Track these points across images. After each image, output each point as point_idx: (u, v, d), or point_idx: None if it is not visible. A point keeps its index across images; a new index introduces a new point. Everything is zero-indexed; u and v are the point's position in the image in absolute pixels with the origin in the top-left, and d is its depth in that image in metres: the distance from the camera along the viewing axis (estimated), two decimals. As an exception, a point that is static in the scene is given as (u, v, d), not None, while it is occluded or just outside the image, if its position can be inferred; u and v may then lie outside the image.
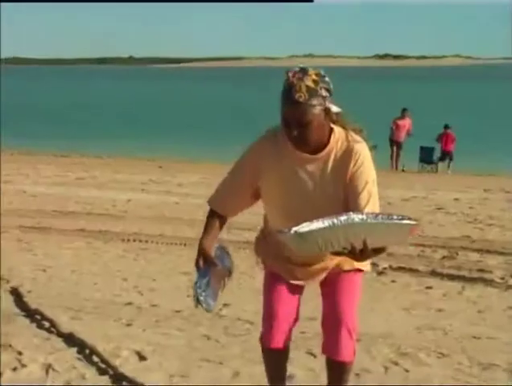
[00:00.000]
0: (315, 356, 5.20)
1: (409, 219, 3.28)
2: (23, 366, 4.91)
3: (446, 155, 22.44)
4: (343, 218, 3.23)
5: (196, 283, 3.72)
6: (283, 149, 3.65)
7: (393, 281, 7.97)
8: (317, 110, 3.48)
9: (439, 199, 14.68)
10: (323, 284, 3.91)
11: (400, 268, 8.48)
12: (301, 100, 3.45)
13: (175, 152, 25.02)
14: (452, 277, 8.02)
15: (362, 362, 5.08)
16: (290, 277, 3.87)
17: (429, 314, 6.60)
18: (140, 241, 10.28)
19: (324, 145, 3.61)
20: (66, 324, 5.92)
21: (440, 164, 22.55)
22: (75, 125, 37.97)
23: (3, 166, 17.18)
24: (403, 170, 22.29)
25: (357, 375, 4.81)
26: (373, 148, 3.71)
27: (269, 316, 3.86)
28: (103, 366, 4.96)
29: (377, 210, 3.52)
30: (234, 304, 6.53)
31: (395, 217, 3.25)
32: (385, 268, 8.48)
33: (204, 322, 6.12)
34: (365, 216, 3.25)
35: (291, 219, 3.50)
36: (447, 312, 6.64)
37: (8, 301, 6.28)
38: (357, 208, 3.49)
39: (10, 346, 5.33)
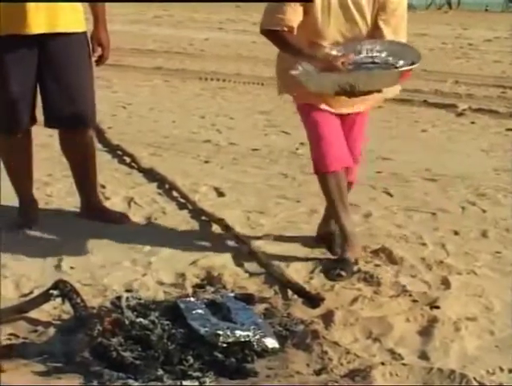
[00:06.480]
0: (391, 195, 5.22)
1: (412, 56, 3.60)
2: (107, 199, 5.03)
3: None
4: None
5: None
6: None
7: (472, 123, 7.86)
8: None
9: (524, 39, 14.26)
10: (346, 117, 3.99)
11: (480, 110, 8.35)
12: None
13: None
14: (533, 119, 7.89)
15: (439, 202, 5.08)
16: (325, 104, 3.86)
17: (508, 155, 6.51)
18: (217, 80, 10.30)
19: None
20: (146, 160, 6.03)
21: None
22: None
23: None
24: (486, 10, 21.61)
25: (434, 214, 4.81)
26: None
27: (319, 140, 3.83)
28: (182, 201, 5.06)
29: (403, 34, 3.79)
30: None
31: (389, 62, 3.65)
32: (464, 110, 8.36)
33: (281, 161, 6.17)
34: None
35: (326, 39, 3.75)
36: (526, 154, 6.55)
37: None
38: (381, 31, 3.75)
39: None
